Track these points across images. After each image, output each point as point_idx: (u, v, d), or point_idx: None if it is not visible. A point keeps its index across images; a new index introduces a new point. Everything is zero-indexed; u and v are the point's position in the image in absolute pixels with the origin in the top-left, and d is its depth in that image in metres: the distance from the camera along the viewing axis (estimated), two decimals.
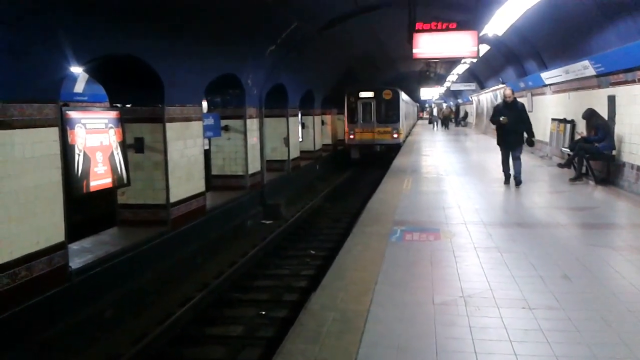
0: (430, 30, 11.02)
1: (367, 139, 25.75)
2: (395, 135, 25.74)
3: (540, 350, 4.20)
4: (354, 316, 4.91)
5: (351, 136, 25.99)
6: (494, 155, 18.56)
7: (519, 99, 14.25)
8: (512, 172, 12.44)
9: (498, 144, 12.72)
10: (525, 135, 12.37)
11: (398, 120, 25.90)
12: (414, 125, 47.88)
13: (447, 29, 11.06)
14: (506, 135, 12.31)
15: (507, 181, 12.54)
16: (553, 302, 5.15)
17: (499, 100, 27.55)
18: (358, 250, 7.24)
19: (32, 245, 6.73)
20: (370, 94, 25.90)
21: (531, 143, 12.53)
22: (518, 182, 12.23)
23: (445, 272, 6.24)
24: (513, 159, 12.32)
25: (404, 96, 28.46)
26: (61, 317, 7.11)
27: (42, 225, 6.91)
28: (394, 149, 24.26)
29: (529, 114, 13.23)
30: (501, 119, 12.07)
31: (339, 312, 5.04)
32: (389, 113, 25.91)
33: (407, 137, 31.82)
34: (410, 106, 40.61)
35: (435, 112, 49.72)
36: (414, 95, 48.43)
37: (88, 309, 7.59)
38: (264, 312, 8.46)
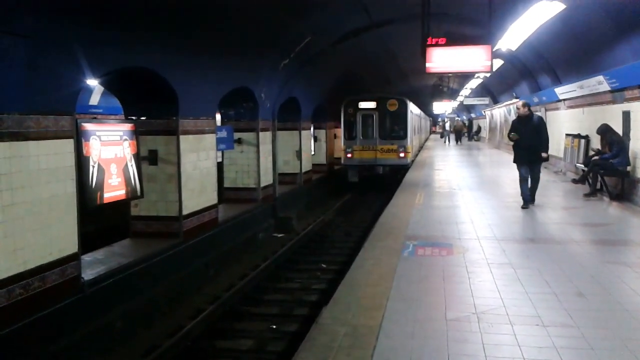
0: (443, 44, 11.01)
1: (367, 159, 22.00)
2: (401, 155, 21.90)
3: None
4: (366, 331, 4.89)
5: (348, 155, 22.18)
6: (507, 170, 18.46)
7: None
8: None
9: (514, 161, 11.63)
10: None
11: (405, 136, 22.16)
12: (425, 141, 45.04)
13: (461, 44, 11.05)
14: (521, 153, 11.35)
15: (525, 205, 11.33)
16: (567, 320, 5.10)
17: (513, 115, 27.57)
18: (370, 264, 7.21)
19: (45, 256, 6.77)
20: (371, 105, 22.12)
21: (541, 158, 11.37)
22: (532, 201, 11.45)
23: (458, 288, 6.20)
24: (531, 179, 11.38)
25: (412, 107, 24.42)
26: (73, 328, 7.14)
27: (56, 236, 6.96)
28: (399, 171, 21.15)
29: None
30: (510, 135, 11.34)
31: (350, 327, 5.01)
32: (395, 127, 22.28)
33: (417, 155, 28.00)
34: (421, 120, 36.43)
35: (447, 127, 48.59)
36: (426, 109, 48.07)
37: (100, 320, 7.61)
38: (274, 326, 8.44)
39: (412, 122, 23.61)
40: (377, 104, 22.08)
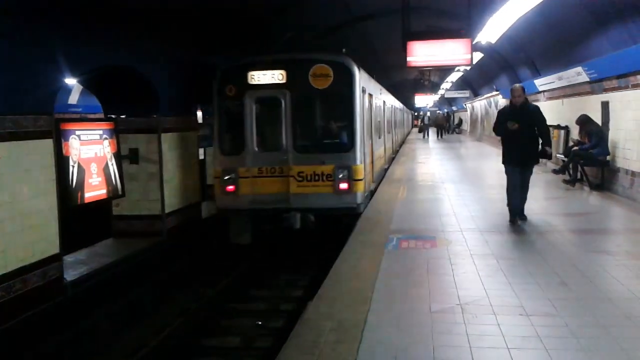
0: (424, 38, 11.06)
1: (269, 196, 10.20)
2: (342, 186, 10.14)
3: (538, 357, 4.19)
4: (351, 325, 4.89)
5: (229, 187, 10.22)
6: (489, 161, 18.60)
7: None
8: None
9: (504, 162, 9.14)
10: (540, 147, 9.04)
11: (352, 143, 10.31)
12: (401, 145, 31.95)
13: (441, 37, 11.10)
14: (516, 150, 8.85)
15: (513, 217, 9.06)
16: (550, 309, 5.14)
17: (494, 107, 27.73)
18: (354, 258, 7.22)
19: (26, 258, 6.70)
20: (275, 76, 10.25)
21: (545, 154, 8.99)
22: (522, 216, 9.17)
23: (442, 280, 6.23)
24: (521, 184, 9.06)
25: (367, 82, 12.13)
26: (56, 330, 7.07)
27: (37, 237, 6.88)
28: (340, 221, 10.19)
29: None
30: (508, 123, 8.72)
31: (336, 321, 5.01)
32: (328, 125, 10.80)
33: (382, 179, 15.38)
34: (393, 110, 23.86)
35: (426, 120, 47.04)
36: (408, 103, 47.78)
37: (83, 321, 7.54)
38: (260, 323, 8.41)
39: (366, 111, 11.58)
40: (288, 75, 10.24)
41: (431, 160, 22.09)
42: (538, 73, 17.18)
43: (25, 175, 6.70)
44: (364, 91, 11.11)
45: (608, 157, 12.01)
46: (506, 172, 9.15)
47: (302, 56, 10.55)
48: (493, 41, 14.33)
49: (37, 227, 6.89)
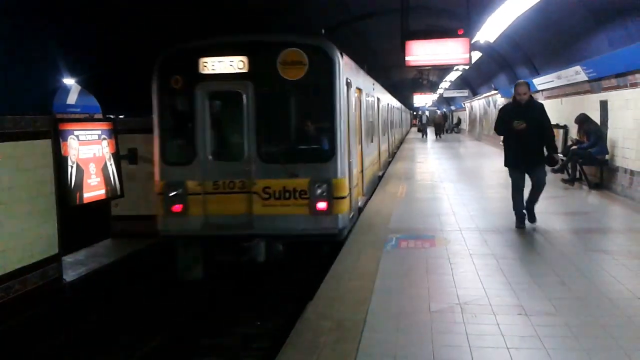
0: (422, 37, 11.06)
1: (226, 218, 8.00)
2: (320, 205, 7.89)
3: (537, 356, 4.19)
4: (351, 325, 4.89)
5: (175, 207, 7.99)
6: (488, 161, 18.60)
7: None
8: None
9: (507, 165, 8.58)
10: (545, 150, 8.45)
11: (332, 151, 8.04)
12: (399, 146, 30.03)
13: (440, 37, 11.10)
14: (517, 154, 8.25)
15: (521, 223, 8.54)
16: (549, 308, 5.14)
17: (492, 107, 27.74)
18: (353, 258, 7.21)
19: (26, 258, 6.70)
20: (234, 64, 8.02)
21: (553, 161, 8.50)
22: (531, 218, 8.61)
23: (441, 280, 6.22)
24: (532, 185, 8.46)
25: (350, 71, 9.19)
26: (55, 330, 7.06)
27: (36, 237, 6.88)
28: (317, 250, 8.26)
29: None
30: (515, 122, 8.01)
31: (335, 321, 5.01)
32: (302, 127, 8.45)
33: (371, 195, 12.50)
34: (389, 109, 21.50)
35: (424, 119, 46.61)
36: (407, 103, 47.67)
37: (82, 321, 7.53)
38: (259, 323, 8.40)
39: (352, 109, 9.39)
40: (251, 62, 8.09)
41: (430, 159, 22.08)
42: (537, 72, 17.18)
43: (24, 175, 6.69)
44: (349, 84, 8.86)
45: (607, 156, 12.02)
46: (510, 175, 8.57)
47: (269, 38, 8.39)
48: (492, 40, 14.35)
49: (36, 227, 6.88)
